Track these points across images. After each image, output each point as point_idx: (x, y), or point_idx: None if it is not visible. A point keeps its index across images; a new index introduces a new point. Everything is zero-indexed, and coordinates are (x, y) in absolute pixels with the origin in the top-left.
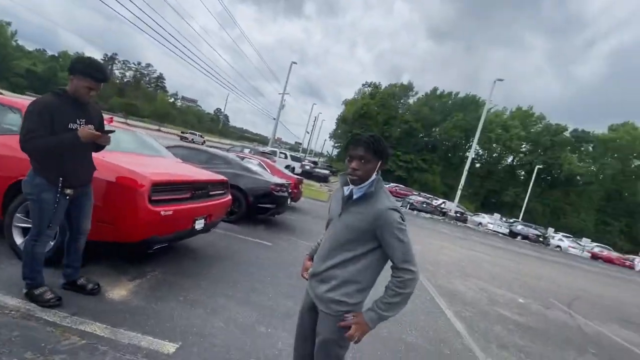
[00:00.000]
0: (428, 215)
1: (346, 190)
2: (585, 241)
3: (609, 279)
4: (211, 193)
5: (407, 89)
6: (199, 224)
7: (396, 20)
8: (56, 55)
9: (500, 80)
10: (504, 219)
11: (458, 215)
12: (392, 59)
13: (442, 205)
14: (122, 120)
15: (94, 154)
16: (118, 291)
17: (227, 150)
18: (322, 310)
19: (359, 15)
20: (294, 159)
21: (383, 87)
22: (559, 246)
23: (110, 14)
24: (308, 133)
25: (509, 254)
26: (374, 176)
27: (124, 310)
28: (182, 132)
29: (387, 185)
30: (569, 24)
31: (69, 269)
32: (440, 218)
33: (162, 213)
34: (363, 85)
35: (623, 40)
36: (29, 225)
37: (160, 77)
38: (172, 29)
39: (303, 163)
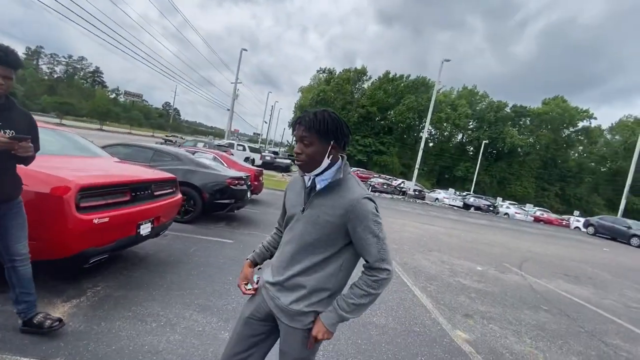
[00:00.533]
0: (389, 196)
1: (307, 180)
2: (529, 207)
3: (550, 238)
4: (157, 193)
5: (361, 73)
6: (145, 229)
7: (345, 5)
8: None
9: (448, 60)
10: (457, 192)
11: (416, 193)
12: (344, 44)
13: (402, 185)
14: (57, 121)
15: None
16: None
17: (179, 146)
18: (286, 324)
19: (308, 0)
20: (252, 150)
21: (337, 72)
22: (506, 213)
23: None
24: (266, 123)
25: (464, 225)
26: (326, 161)
27: (58, 338)
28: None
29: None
30: (504, 6)
31: (20, 305)
32: (400, 197)
33: (96, 221)
34: (318, 71)
35: (550, 20)
36: None
37: (97, 71)
38: (106, 18)
39: (263, 154)
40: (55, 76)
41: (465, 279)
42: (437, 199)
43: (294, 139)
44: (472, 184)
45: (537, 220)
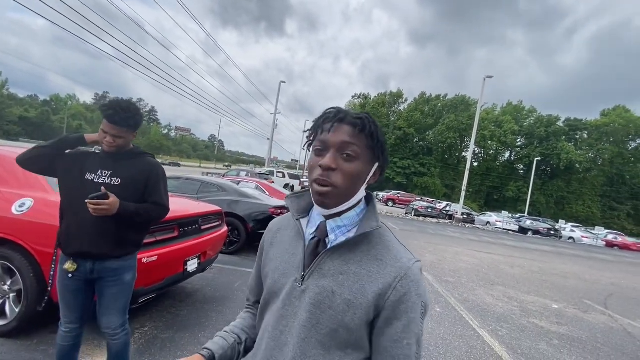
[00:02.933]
0: (435, 220)
1: (306, 227)
2: (598, 229)
3: (633, 267)
4: (203, 227)
5: (397, 96)
6: (192, 265)
7: (376, 30)
8: (48, 99)
9: (490, 77)
10: (511, 215)
11: (465, 216)
12: (377, 68)
13: (447, 208)
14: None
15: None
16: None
17: (223, 176)
18: None
19: (339, 29)
20: (292, 176)
21: (372, 97)
22: (571, 237)
23: (95, 52)
24: (304, 149)
25: (525, 252)
26: (362, 192)
27: None
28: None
29: (389, 193)
30: (548, 15)
31: None
32: (447, 222)
33: (145, 260)
34: (353, 97)
35: (602, 24)
36: None
37: (152, 110)
38: (159, 62)
39: (302, 180)
40: None
41: (540, 319)
42: (488, 222)
43: (315, 146)
44: (526, 205)
45: (610, 245)
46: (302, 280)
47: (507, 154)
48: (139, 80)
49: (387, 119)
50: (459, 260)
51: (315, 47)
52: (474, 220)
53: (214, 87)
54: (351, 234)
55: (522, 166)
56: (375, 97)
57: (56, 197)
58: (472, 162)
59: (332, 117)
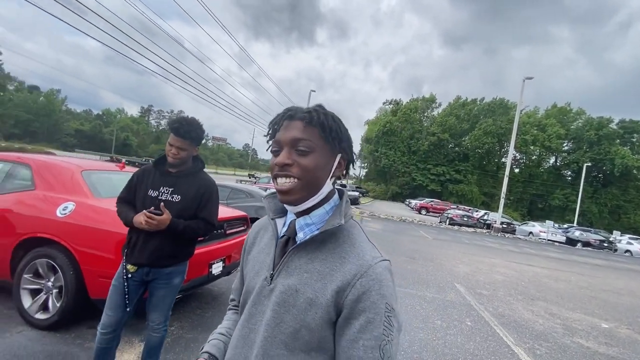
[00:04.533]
0: (471, 230)
1: (280, 225)
2: None
3: None
4: (229, 232)
5: (430, 101)
6: (217, 268)
7: (407, 33)
8: (100, 113)
9: (530, 78)
10: (557, 225)
11: (504, 226)
12: (409, 72)
13: (485, 217)
14: (122, 162)
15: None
16: (127, 356)
17: (254, 183)
18: None
19: (369, 34)
20: None
21: (404, 102)
22: (628, 251)
23: (140, 69)
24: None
25: (572, 266)
26: (328, 185)
27: None
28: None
29: (422, 201)
30: (597, 9)
31: None
32: (485, 231)
33: None
34: (384, 103)
35: None
36: (39, 287)
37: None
38: (196, 75)
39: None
40: (161, 128)
41: (587, 339)
42: (531, 232)
43: (271, 146)
44: (575, 214)
45: None
46: (271, 279)
47: (552, 160)
48: (179, 94)
49: (420, 125)
50: (496, 272)
51: (345, 54)
52: (514, 230)
53: (248, 98)
54: (318, 232)
55: (569, 172)
56: (407, 102)
57: (95, 202)
58: (512, 169)
59: (282, 116)
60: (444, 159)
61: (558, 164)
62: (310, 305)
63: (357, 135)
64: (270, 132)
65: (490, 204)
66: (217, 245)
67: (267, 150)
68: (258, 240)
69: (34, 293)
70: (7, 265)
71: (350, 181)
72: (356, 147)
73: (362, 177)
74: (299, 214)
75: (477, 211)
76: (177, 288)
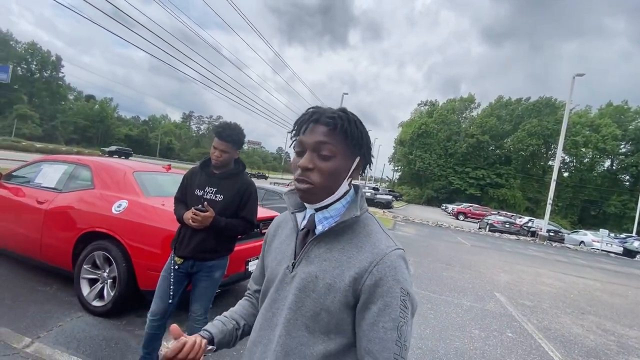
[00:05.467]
0: (513, 237)
1: (300, 219)
2: None
3: None
4: (263, 231)
5: (468, 101)
6: (253, 266)
7: (443, 31)
8: (146, 119)
9: (580, 75)
10: (613, 234)
11: (552, 234)
12: (446, 72)
13: (529, 224)
14: (168, 164)
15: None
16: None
17: (287, 185)
18: None
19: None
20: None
21: (441, 103)
22: None
23: (182, 76)
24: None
25: (630, 279)
26: (345, 186)
27: None
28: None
29: (459, 206)
30: None
31: None
32: (529, 239)
33: None
34: (419, 104)
35: None
36: (96, 277)
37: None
38: (233, 82)
39: (364, 190)
40: (200, 132)
41: None
42: (582, 242)
43: (295, 147)
44: (634, 223)
45: None
46: (293, 268)
47: (607, 163)
48: (218, 100)
49: (458, 126)
50: (541, 283)
51: (378, 55)
52: (563, 239)
53: (281, 102)
54: (336, 224)
55: (627, 177)
56: (444, 103)
57: (146, 200)
58: (560, 172)
59: (308, 118)
60: (484, 161)
61: (614, 167)
62: (329, 290)
63: (390, 138)
64: (295, 130)
65: (535, 210)
66: (254, 243)
67: (290, 146)
68: (279, 233)
69: (92, 282)
70: (70, 256)
71: (383, 184)
72: (390, 150)
73: (396, 181)
74: (318, 209)
75: (520, 217)
76: (218, 282)
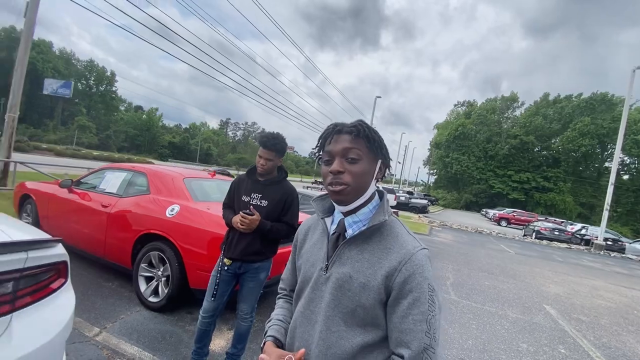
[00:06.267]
0: (564, 245)
1: (330, 223)
2: None
3: None
4: None
5: (510, 100)
6: None
7: (482, 27)
8: (187, 127)
9: None
10: None
11: (610, 243)
12: (485, 70)
13: (583, 231)
14: (235, 172)
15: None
16: (219, 341)
17: (320, 189)
18: None
19: (437, 33)
20: (387, 191)
21: (479, 103)
22: None
23: (219, 85)
24: (400, 163)
25: None
26: (372, 187)
27: None
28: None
29: (502, 211)
30: None
31: (231, 349)
32: (583, 248)
33: None
34: (455, 105)
35: None
36: (152, 275)
37: (263, 132)
38: (267, 88)
39: (397, 194)
40: (237, 139)
41: None
42: None
43: (322, 159)
44: None
45: None
46: (327, 269)
47: None
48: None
49: (499, 127)
50: (598, 296)
51: (411, 55)
52: (623, 249)
53: (313, 107)
54: (365, 228)
55: None
56: (483, 103)
57: (194, 205)
58: (619, 175)
59: (331, 131)
60: (529, 164)
61: None
62: (364, 288)
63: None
64: (319, 144)
65: (589, 217)
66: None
67: (316, 160)
68: (309, 237)
69: (148, 280)
70: (129, 256)
71: (417, 188)
72: (424, 153)
73: (431, 184)
74: (347, 214)
75: (571, 224)
76: (263, 282)
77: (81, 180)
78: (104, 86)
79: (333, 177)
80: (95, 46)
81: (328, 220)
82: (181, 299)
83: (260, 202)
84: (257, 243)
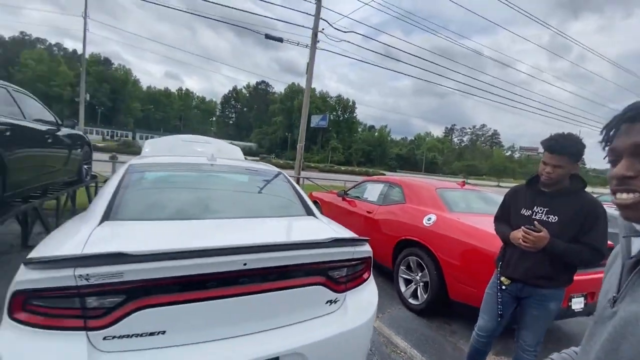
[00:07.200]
0: None
1: (636, 244)
2: None
3: None
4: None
5: None
6: (578, 304)
7: None
8: (412, 138)
9: None
10: None
11: None
12: None
13: None
14: (462, 180)
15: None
16: None
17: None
18: None
19: None
20: None
21: None
22: None
23: (441, 91)
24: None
25: None
26: None
27: None
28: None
29: None
30: None
31: None
32: None
33: None
34: None
35: None
36: (410, 278)
37: (494, 134)
38: (497, 82)
39: None
40: (463, 144)
41: None
42: None
43: (608, 155)
44: None
45: None
46: (614, 302)
47: None
48: (478, 107)
49: None
50: None
51: None
52: None
53: (567, 91)
54: None
55: None
56: None
57: (450, 215)
58: None
59: (620, 118)
60: None
61: None
62: None
63: None
64: (604, 137)
65: None
66: (581, 276)
67: (603, 158)
68: (615, 261)
69: (407, 282)
70: (390, 257)
71: None
72: None
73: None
74: None
75: None
76: (553, 313)
77: (347, 192)
78: (347, 114)
79: (617, 184)
80: (339, 83)
81: (635, 240)
82: (439, 306)
83: (547, 217)
84: (545, 266)
